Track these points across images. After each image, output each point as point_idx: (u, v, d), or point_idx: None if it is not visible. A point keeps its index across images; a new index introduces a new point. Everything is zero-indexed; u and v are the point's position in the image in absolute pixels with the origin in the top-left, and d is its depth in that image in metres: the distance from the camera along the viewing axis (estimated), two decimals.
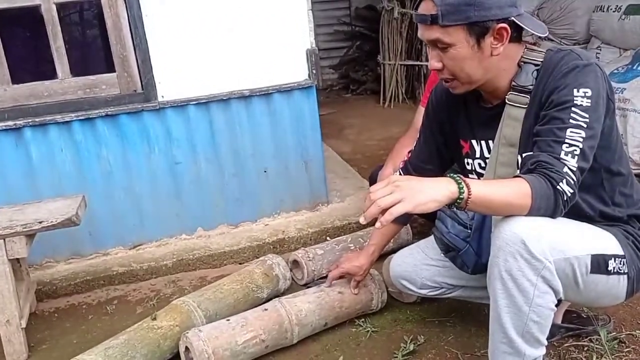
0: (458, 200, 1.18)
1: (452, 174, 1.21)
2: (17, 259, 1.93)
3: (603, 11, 3.71)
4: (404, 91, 5.39)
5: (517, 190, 1.21)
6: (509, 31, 1.32)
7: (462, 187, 1.18)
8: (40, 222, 1.87)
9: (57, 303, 2.25)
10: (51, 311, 2.21)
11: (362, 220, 1.19)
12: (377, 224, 1.17)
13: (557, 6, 4.13)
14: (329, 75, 6.77)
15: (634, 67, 3.27)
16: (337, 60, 6.62)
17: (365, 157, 3.82)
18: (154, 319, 1.79)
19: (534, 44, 1.47)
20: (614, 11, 3.61)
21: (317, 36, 7.29)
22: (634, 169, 3.02)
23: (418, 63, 5.29)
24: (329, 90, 6.60)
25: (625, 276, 1.35)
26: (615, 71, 3.35)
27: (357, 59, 6.34)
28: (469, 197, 1.18)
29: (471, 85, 1.40)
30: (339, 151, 3.90)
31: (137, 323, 1.80)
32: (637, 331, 1.75)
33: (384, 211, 1.15)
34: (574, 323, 1.74)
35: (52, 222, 1.87)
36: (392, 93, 5.41)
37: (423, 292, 1.78)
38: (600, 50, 3.78)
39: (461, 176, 1.21)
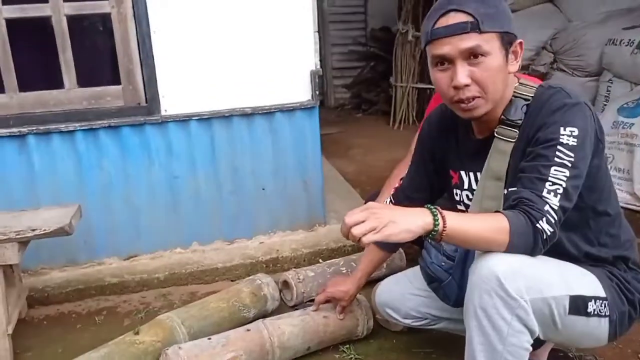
0: (433, 232, 1.18)
1: (429, 205, 1.21)
2: (10, 265, 1.95)
3: (615, 45, 3.68)
4: (414, 114, 5.40)
5: (494, 225, 1.20)
6: (523, 49, 1.34)
7: (437, 219, 1.17)
8: (33, 230, 1.88)
9: (47, 310, 2.27)
10: (41, 318, 2.22)
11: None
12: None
13: (570, 37, 4.12)
14: (341, 94, 6.81)
15: None
16: (351, 79, 6.66)
17: (369, 179, 3.81)
18: (137, 333, 1.79)
19: (546, 74, 1.46)
20: (626, 45, 3.59)
21: (331, 55, 7.37)
22: (637, 206, 3.00)
23: (430, 86, 5.28)
24: (340, 109, 6.64)
25: (607, 319, 1.33)
26: (625, 105, 3.32)
27: (370, 80, 6.38)
28: (444, 230, 1.17)
29: (492, 105, 1.34)
30: (343, 171, 3.90)
31: (120, 336, 1.80)
32: None
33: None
34: None
35: (44, 230, 1.89)
36: (402, 115, 5.43)
37: (407, 321, 1.76)
38: (612, 83, 3.75)
39: (438, 208, 1.20)
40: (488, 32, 1.26)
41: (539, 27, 4.40)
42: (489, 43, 1.27)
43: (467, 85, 1.29)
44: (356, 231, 1.15)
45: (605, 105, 3.66)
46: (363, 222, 1.17)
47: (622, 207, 1.51)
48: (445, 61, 1.31)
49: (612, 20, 3.97)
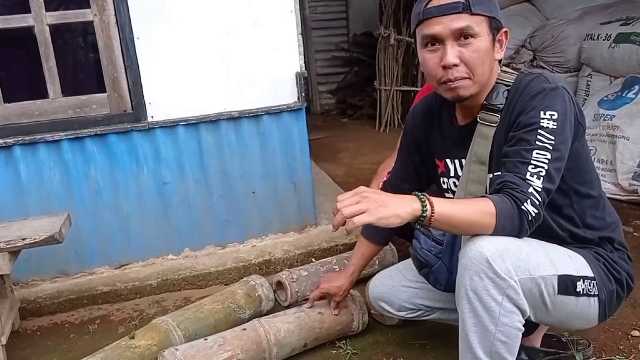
0: (421, 218, 1.20)
1: (416, 192, 1.23)
2: (1, 275, 1.94)
3: (593, 39, 3.75)
4: (399, 116, 5.45)
5: (481, 209, 1.22)
6: (508, 38, 1.37)
7: (425, 205, 1.20)
8: (23, 239, 1.88)
9: (40, 321, 2.25)
10: (34, 329, 2.20)
11: (332, 229, 1.24)
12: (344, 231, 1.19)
13: (548, 34, 4.19)
14: (327, 100, 6.85)
15: (623, 95, 3.30)
16: (335, 85, 6.70)
17: (358, 181, 3.82)
18: (132, 337, 1.78)
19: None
20: (604, 39, 3.66)
21: (315, 61, 7.40)
22: (622, 196, 3.04)
23: (413, 89, 5.34)
24: (326, 114, 6.67)
25: (596, 298, 1.36)
26: (605, 98, 3.39)
27: (354, 85, 6.43)
28: (432, 215, 1.19)
29: (478, 88, 1.37)
30: (333, 174, 3.93)
31: (116, 342, 1.80)
32: (617, 356, 1.73)
33: (349, 220, 1.17)
34: (553, 347, 1.73)
35: (35, 239, 1.88)
36: (387, 118, 5.47)
37: (401, 314, 1.77)
38: (591, 77, 3.82)
39: (426, 194, 1.22)
40: (478, 14, 1.30)
41: (518, 26, 4.47)
42: (479, 25, 1.31)
43: (455, 65, 1.32)
44: (347, 211, 1.16)
45: (586, 99, 3.72)
46: (354, 205, 1.18)
47: (607, 199, 1.54)
48: (435, 41, 1.34)
49: (589, 16, 4.05)
